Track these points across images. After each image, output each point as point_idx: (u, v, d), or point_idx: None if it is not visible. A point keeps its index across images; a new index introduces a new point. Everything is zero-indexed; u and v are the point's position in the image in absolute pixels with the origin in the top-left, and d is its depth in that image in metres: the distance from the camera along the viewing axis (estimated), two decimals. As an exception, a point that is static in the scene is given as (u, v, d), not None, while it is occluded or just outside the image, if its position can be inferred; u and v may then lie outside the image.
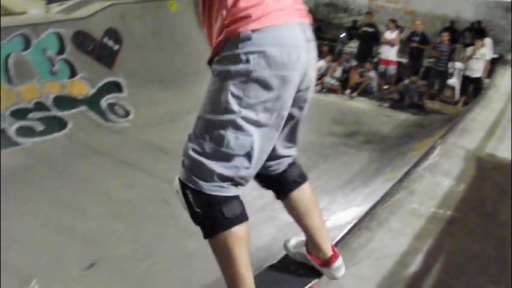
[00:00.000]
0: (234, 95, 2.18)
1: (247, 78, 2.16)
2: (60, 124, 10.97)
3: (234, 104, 2.18)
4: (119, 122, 11.73)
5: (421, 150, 8.71)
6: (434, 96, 14.14)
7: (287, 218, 7.49)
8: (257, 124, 2.22)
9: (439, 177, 6.13)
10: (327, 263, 2.91)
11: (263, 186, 3.00)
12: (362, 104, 14.14)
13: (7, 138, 10.16)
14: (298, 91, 2.36)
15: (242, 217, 2.35)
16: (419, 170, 6.35)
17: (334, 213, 7.59)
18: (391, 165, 9.46)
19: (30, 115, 10.80)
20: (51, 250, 7.09)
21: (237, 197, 2.36)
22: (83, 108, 11.61)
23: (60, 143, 10.13)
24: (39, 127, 10.70)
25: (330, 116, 12.95)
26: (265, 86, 2.17)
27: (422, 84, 13.85)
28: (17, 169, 9.32)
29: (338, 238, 4.44)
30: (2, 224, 7.37)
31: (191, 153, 2.33)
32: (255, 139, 2.24)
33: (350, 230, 4.69)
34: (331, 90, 14.68)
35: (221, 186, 2.30)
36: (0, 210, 7.49)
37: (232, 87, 2.17)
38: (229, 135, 2.21)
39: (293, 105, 2.38)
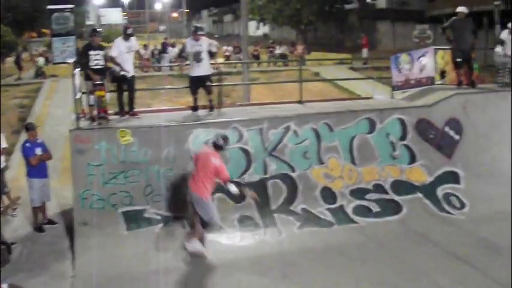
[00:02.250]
0: None
1: None
2: (396, 208, 11.52)
3: None
4: (454, 213, 11.73)
5: None
6: None
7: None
8: None
9: None
10: None
11: None
12: None
13: (345, 215, 11.12)
14: None
15: None
16: None
17: None
18: None
19: (368, 196, 11.62)
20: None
21: None
22: (419, 195, 11.97)
23: (393, 226, 10.57)
24: (376, 208, 11.44)
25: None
26: None
27: None
28: (350, 246, 10.15)
29: None
30: None
31: None
32: None
33: None
34: None
35: None
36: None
37: None
38: None
39: None
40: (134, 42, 12.08)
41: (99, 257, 9.41)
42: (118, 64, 11.47)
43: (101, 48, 11.55)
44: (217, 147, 9.56)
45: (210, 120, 11.53)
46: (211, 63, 12.70)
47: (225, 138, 9.77)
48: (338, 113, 12.20)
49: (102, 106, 11.10)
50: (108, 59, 11.54)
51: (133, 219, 10.32)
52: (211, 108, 12.51)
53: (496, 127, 13.52)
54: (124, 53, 11.62)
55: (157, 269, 9.15)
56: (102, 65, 11.30)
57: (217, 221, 9.55)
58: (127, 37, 11.77)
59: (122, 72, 11.48)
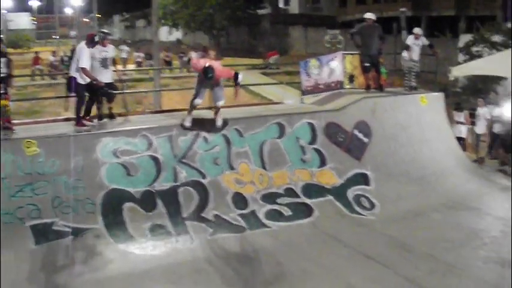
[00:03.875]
0: None
1: None
2: (307, 211, 11.90)
3: None
4: (364, 214, 12.27)
5: None
6: None
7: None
8: None
9: None
10: None
11: None
12: None
13: (257, 220, 11.40)
14: None
15: None
16: None
17: None
18: None
19: (280, 200, 11.96)
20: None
21: None
22: (330, 197, 12.44)
23: (305, 229, 10.92)
24: (288, 212, 11.77)
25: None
26: None
27: None
28: (263, 250, 10.38)
29: None
30: None
31: None
32: None
33: None
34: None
35: None
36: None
37: None
38: None
39: None
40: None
41: (7, 273, 9.24)
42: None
43: (4, 55, 11.32)
44: None
45: (118, 129, 11.54)
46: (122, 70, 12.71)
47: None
48: (248, 118, 12.53)
49: (6, 116, 10.91)
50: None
51: (42, 233, 10.13)
52: (111, 116, 12.38)
53: (403, 129, 14.30)
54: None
55: (65, 283, 9.11)
56: (5, 73, 11.07)
57: None
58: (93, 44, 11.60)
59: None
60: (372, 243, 10.87)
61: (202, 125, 11.84)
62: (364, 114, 13.86)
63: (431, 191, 13.26)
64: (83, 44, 11.37)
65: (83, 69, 11.11)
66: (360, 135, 13.59)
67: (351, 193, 12.71)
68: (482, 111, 16.55)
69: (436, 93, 15.89)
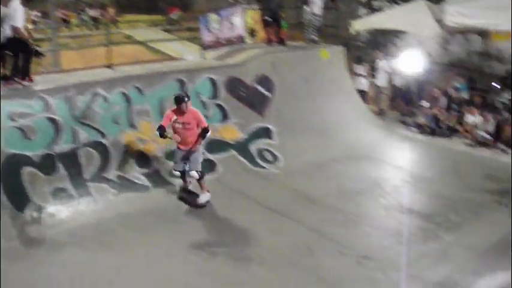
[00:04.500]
0: None
1: None
2: (211, 166, 12.04)
3: None
4: (268, 168, 12.58)
5: None
6: None
7: (433, 277, 7.81)
8: None
9: None
10: None
11: None
12: None
13: (160, 178, 11.43)
14: None
15: None
16: None
17: (484, 277, 7.69)
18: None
19: (183, 156, 11.96)
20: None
21: None
22: (233, 152, 12.65)
23: (210, 184, 10.99)
24: (191, 168, 11.83)
25: (482, 171, 12.89)
26: None
27: None
28: (168, 208, 10.51)
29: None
30: (150, 259, 8.56)
31: None
32: None
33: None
34: (482, 144, 14.57)
35: None
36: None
37: None
38: None
39: None
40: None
41: None
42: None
43: None
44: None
45: (13, 91, 11.08)
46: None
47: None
48: (147, 75, 12.34)
49: None
50: None
51: None
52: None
53: (305, 83, 14.60)
54: None
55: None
56: None
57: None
58: None
59: None
60: (276, 196, 11.19)
61: (190, 196, 10.97)
62: (266, 69, 14.03)
63: (333, 143, 13.68)
64: (17, 2, 10.68)
65: (18, 29, 10.53)
66: (262, 90, 13.78)
67: (254, 147, 12.96)
68: (382, 64, 17.09)
69: (337, 47, 16.28)
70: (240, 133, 12.97)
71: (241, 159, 12.60)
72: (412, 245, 9.22)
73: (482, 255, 8.80)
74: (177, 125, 10.29)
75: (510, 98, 15.10)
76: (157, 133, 10.23)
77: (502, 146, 14.41)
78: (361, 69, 17.33)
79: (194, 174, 10.50)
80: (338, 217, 10.17)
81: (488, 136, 14.62)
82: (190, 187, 11.03)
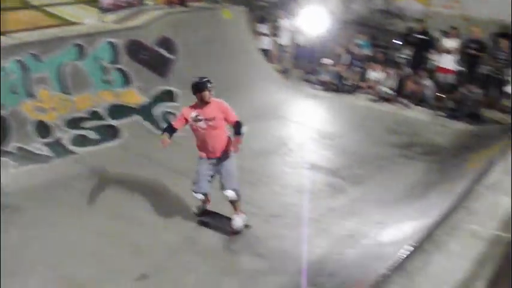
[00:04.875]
0: None
1: None
2: (115, 133, 11.94)
3: None
4: (173, 131, 12.50)
5: (478, 162, 9.02)
6: (491, 106, 14.23)
7: (341, 230, 8.12)
8: None
9: (501, 196, 6.06)
10: None
11: None
12: (418, 113, 14.39)
13: (62, 147, 11.21)
14: None
15: None
16: (479, 188, 6.33)
17: (390, 227, 8.06)
18: (448, 177, 9.81)
19: (84, 124, 11.80)
20: (103, 260, 7.78)
21: None
22: (137, 117, 12.56)
23: (115, 151, 10.95)
24: (94, 136, 11.72)
25: (385, 125, 13.39)
26: None
27: (479, 93, 13.97)
28: (72, 178, 10.23)
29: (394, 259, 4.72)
30: (58, 231, 8.37)
31: None
32: None
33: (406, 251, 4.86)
34: (385, 99, 15.11)
35: None
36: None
37: None
38: None
39: None
40: None
41: None
42: None
43: None
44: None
45: None
46: None
47: None
48: (44, 41, 11.91)
49: None
50: None
51: None
52: None
53: (208, 44, 14.55)
54: None
55: None
56: None
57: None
58: None
59: None
60: (183, 159, 11.01)
61: (216, 219, 8.96)
62: (168, 31, 13.89)
63: (238, 103, 13.35)
64: None
65: None
66: (164, 52, 13.66)
67: (158, 111, 12.90)
68: (285, 23, 17.21)
69: (240, 7, 16.28)
70: (143, 97, 12.85)
71: (146, 123, 12.54)
72: (320, 201, 9.51)
73: (387, 207, 9.14)
74: (198, 124, 7.97)
75: (411, 54, 15.56)
76: (163, 131, 8.21)
77: (404, 101, 14.89)
78: (264, 28, 17.39)
79: (231, 194, 8.28)
80: (246, 177, 10.05)
81: (390, 91, 15.08)
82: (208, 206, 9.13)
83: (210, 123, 7.87)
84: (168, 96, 13.25)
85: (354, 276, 6.75)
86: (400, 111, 14.51)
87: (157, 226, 8.72)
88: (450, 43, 14.62)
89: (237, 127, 7.80)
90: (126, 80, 12.78)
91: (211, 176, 8.30)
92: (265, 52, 16.91)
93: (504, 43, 13.91)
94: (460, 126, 13.40)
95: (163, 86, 13.31)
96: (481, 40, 14.38)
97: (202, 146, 8.15)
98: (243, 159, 10.92)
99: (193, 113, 7.91)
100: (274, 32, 17.48)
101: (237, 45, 15.25)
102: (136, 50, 13.11)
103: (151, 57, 13.36)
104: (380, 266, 5.09)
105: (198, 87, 7.86)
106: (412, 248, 4.90)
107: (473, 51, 14.33)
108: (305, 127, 13.21)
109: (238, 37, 15.45)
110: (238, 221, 8.46)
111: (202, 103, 7.91)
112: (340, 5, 17.62)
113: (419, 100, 14.72)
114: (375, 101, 15.18)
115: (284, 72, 17.13)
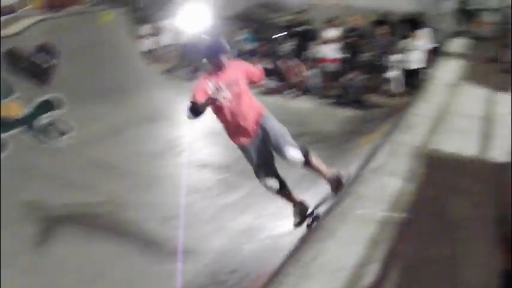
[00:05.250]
0: None
1: None
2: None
3: None
4: (60, 140, 12.29)
5: (366, 145, 9.38)
6: (374, 91, 14.88)
7: (238, 226, 8.21)
8: None
9: (387, 178, 6.22)
10: None
11: None
12: (305, 103, 14.68)
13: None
14: None
15: None
16: (366, 173, 6.49)
17: (284, 218, 8.25)
18: (336, 163, 10.15)
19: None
20: None
21: None
22: (20, 128, 12.14)
23: (2, 165, 10.53)
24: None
25: (275, 117, 13.57)
26: None
27: (362, 79, 14.58)
28: None
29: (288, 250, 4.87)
30: None
31: None
32: None
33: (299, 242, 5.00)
34: (273, 91, 15.46)
35: None
36: None
37: None
38: None
39: None
40: None
41: None
42: None
43: None
44: None
45: None
46: None
47: None
48: None
49: None
50: None
51: None
52: None
53: (89, 48, 14.24)
54: None
55: None
56: None
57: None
58: None
59: None
60: (71, 169, 10.89)
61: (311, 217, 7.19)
62: (47, 36, 13.49)
63: (125, 107, 13.55)
64: None
65: None
66: (45, 59, 13.28)
67: (42, 121, 12.53)
68: (166, 23, 17.13)
69: (120, 9, 16.06)
70: (25, 108, 12.42)
71: (30, 134, 12.16)
72: (214, 199, 9.56)
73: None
74: (221, 96, 6.32)
75: (292, 45, 15.90)
76: (190, 114, 6.08)
77: (292, 91, 15.21)
78: (146, 29, 17.25)
79: (294, 153, 6.71)
80: (139, 181, 10.15)
81: (276, 83, 15.33)
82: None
83: (235, 88, 6.42)
84: (52, 104, 12.89)
85: (255, 270, 6.82)
86: (287, 103, 14.74)
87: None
88: (332, 32, 14.99)
89: (268, 72, 7.04)
90: (6, 91, 12.26)
91: (270, 154, 6.90)
92: (149, 53, 16.76)
93: (381, 30, 14.44)
94: (346, 112, 13.78)
95: (45, 94, 12.89)
96: (360, 28, 14.86)
97: (235, 125, 6.65)
98: (134, 163, 10.94)
99: (211, 84, 6.24)
100: (157, 32, 17.37)
101: (119, 48, 15.04)
102: (15, 58, 12.69)
103: (31, 65, 12.96)
104: (277, 258, 5.23)
105: (214, 51, 6.44)
106: (304, 238, 5.07)
107: (353, 39, 14.76)
108: (194, 125, 13.21)
109: (120, 40, 15.24)
110: (337, 175, 6.93)
111: (217, 69, 6.41)
112: (222, 1, 17.74)
113: (305, 90, 15.07)
114: (264, 93, 15.39)
115: (169, 71, 17.05)
